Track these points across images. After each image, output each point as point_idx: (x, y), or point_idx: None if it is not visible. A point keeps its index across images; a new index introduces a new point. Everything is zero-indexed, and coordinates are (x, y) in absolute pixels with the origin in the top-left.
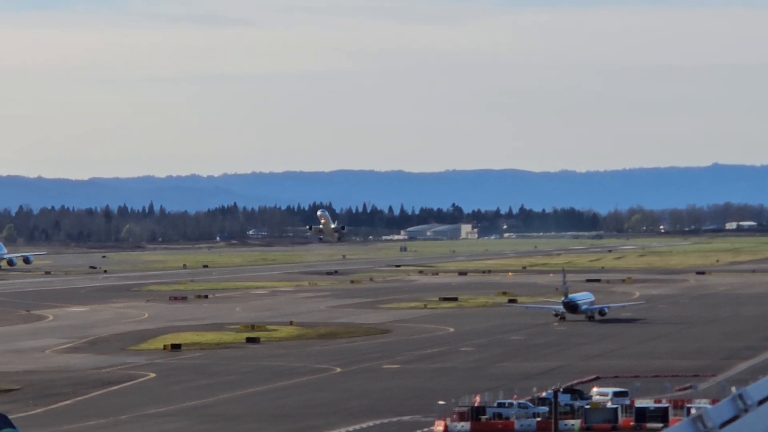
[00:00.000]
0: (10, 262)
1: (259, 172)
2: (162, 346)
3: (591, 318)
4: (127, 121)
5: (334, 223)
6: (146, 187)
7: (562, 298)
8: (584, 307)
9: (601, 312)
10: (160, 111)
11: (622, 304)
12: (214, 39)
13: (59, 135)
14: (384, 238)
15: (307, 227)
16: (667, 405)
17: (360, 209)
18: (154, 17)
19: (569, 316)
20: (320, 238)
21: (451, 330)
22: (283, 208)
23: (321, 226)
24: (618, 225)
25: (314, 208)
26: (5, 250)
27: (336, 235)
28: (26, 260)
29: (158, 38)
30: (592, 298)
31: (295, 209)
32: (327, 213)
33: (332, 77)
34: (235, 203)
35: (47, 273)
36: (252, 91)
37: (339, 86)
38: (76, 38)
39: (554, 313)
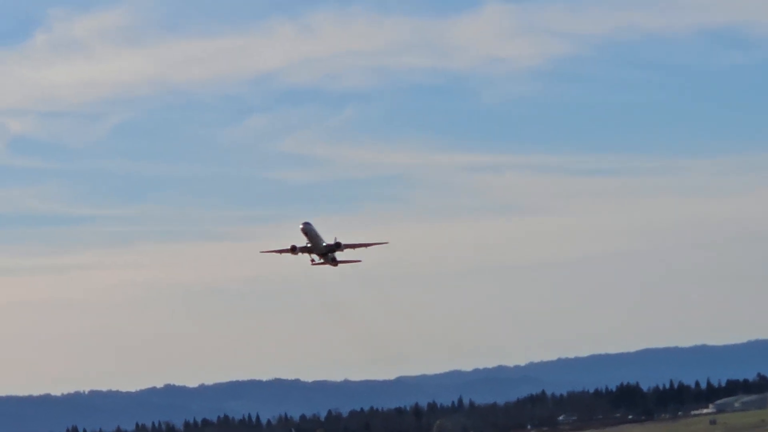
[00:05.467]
0: None
1: (565, 357)
2: None
3: None
4: (431, 318)
5: (326, 240)
6: (453, 381)
7: None
8: None
9: None
10: (462, 304)
11: None
12: (506, 229)
13: (364, 336)
14: (693, 413)
15: (290, 248)
16: None
17: (667, 386)
18: (442, 210)
19: None
20: (312, 260)
21: None
22: (591, 391)
23: (307, 244)
24: None
25: (622, 389)
26: None
27: (330, 256)
28: None
29: (451, 231)
30: None
31: (603, 392)
32: (312, 225)
33: (621, 257)
34: (543, 390)
35: None
36: (551, 279)
37: (629, 265)
38: None
39: None
